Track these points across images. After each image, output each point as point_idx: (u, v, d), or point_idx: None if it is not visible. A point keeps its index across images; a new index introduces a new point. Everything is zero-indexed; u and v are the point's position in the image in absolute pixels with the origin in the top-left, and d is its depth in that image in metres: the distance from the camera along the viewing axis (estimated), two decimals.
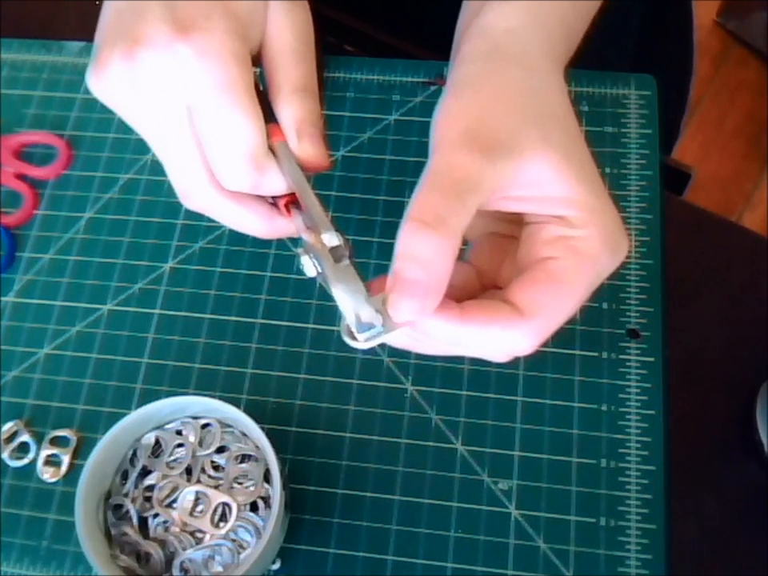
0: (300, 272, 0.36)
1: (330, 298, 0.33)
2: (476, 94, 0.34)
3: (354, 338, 0.33)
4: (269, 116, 0.37)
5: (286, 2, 0.37)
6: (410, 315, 0.31)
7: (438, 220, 0.30)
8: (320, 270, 0.35)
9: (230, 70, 0.34)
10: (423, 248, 0.30)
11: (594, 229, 0.33)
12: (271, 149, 0.37)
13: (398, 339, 0.34)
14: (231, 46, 0.34)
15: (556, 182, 0.33)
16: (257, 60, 0.38)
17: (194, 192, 0.37)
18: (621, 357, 0.48)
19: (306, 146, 0.37)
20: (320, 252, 0.35)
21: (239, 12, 0.35)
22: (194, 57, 0.34)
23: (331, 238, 0.35)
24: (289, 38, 0.37)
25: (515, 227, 0.35)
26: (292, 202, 0.38)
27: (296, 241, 0.47)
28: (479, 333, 0.32)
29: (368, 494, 0.46)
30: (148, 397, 0.49)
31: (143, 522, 0.44)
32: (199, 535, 0.43)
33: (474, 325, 0.32)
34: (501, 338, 0.32)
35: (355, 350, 0.49)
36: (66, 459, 0.48)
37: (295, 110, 0.37)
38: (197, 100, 0.35)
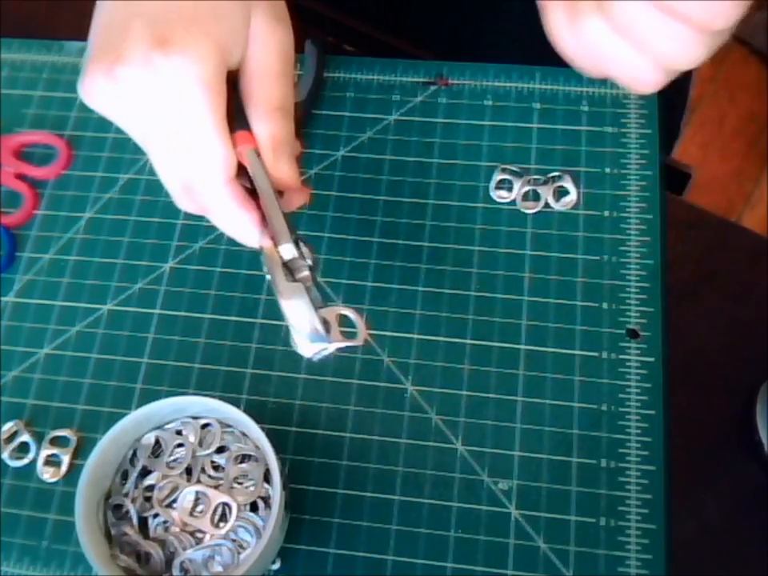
0: None
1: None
2: None
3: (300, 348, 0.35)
4: (241, 123, 0.38)
5: (269, 22, 0.38)
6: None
7: None
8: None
9: (203, 92, 0.35)
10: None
11: None
12: (240, 155, 0.37)
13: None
14: (208, 65, 0.35)
15: None
16: (236, 75, 0.38)
17: (179, 198, 0.39)
18: (621, 357, 0.48)
19: (282, 165, 0.38)
20: (272, 265, 0.35)
21: (221, 29, 0.36)
22: (170, 72, 0.34)
23: (287, 251, 0.35)
24: (271, 57, 0.38)
25: None
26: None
27: None
28: None
29: (368, 494, 0.46)
30: (148, 397, 0.49)
31: (143, 522, 0.44)
32: (199, 535, 0.43)
33: None
34: None
35: (355, 350, 0.49)
36: (65, 459, 0.48)
37: (273, 127, 0.38)
38: (170, 116, 0.35)
